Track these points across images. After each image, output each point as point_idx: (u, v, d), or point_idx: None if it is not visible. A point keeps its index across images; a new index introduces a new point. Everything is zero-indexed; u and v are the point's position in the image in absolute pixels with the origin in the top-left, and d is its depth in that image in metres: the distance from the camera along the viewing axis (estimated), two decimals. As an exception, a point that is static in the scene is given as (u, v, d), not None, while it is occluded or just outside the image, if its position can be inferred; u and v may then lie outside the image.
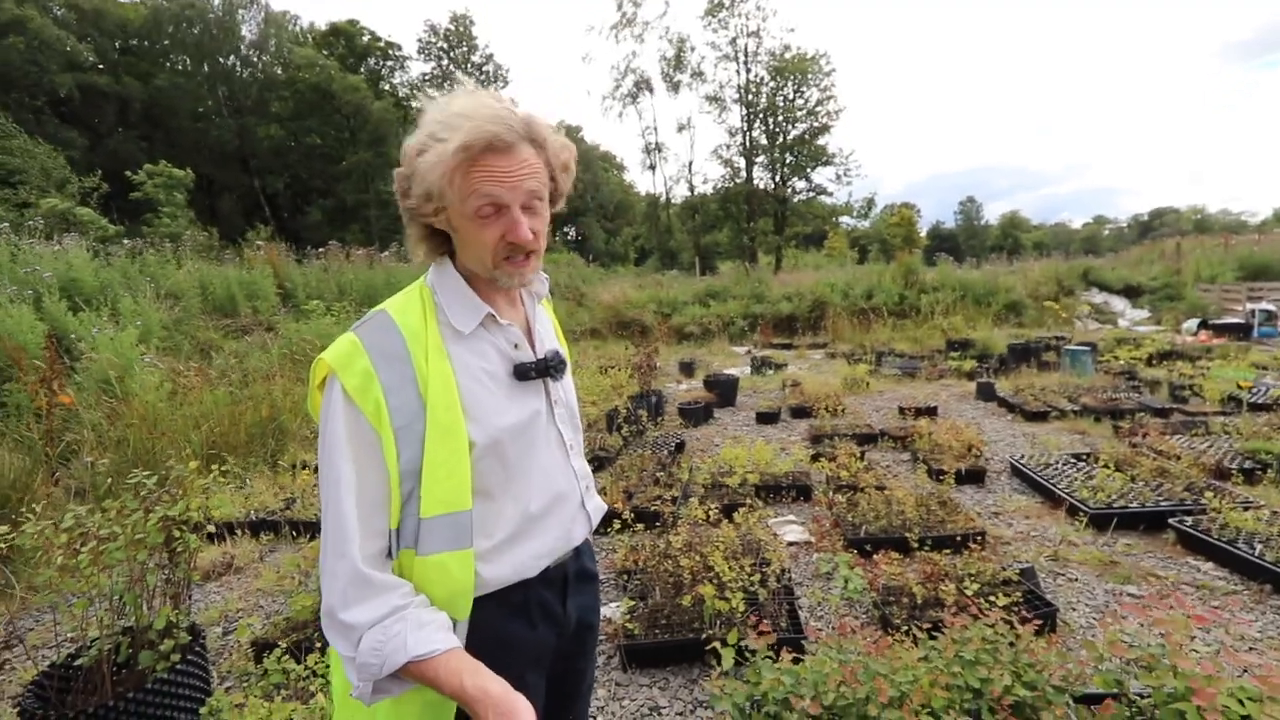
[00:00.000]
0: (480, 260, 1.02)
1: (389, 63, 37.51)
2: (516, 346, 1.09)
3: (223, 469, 3.84)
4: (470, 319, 1.03)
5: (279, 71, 32.85)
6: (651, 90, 36.15)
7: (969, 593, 2.57)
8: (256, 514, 4.16)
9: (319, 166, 32.66)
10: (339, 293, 10.86)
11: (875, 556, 3.07)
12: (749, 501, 3.94)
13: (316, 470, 4.61)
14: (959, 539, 3.27)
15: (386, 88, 36.55)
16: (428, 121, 0.97)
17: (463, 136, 0.93)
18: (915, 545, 3.24)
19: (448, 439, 0.96)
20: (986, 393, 7.03)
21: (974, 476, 4.41)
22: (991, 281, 14.18)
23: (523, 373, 1.08)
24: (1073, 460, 4.50)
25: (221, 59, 31.42)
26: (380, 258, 13.97)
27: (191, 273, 9.47)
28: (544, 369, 1.11)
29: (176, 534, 2.25)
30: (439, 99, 0.98)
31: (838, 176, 34.01)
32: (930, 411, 6.29)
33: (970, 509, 3.89)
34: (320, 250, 13.53)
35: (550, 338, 1.22)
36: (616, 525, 3.66)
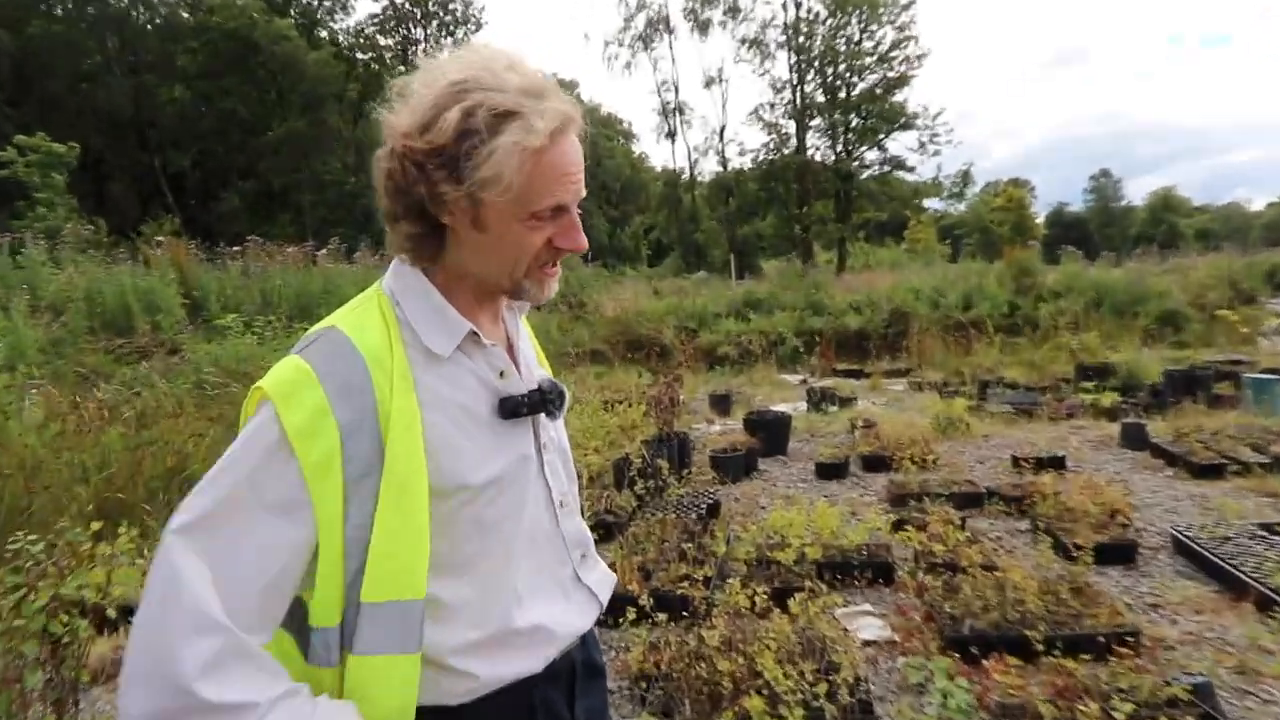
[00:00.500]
0: (508, 268, 1.06)
1: (327, 2, 38.55)
2: (502, 374, 1.11)
3: (122, 531, 3.86)
4: (447, 339, 1.06)
5: (185, 16, 33.88)
6: (671, 31, 36.94)
7: (1120, 716, 2.52)
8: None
9: (238, 139, 33.44)
10: (264, 303, 11.01)
11: (985, 662, 3.01)
12: (809, 584, 3.90)
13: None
14: (1102, 640, 3.22)
15: (324, 34, 37.52)
16: (470, 85, 0.97)
17: (551, 118, 0.97)
18: (1041, 648, 3.17)
19: (404, 499, 0.97)
20: (1135, 438, 6.95)
21: (1121, 553, 4.36)
22: (1138, 284, 14.08)
23: (512, 408, 1.10)
24: (1262, 533, 4.43)
25: (112, 0, 32.44)
26: (317, 257, 14.19)
27: (75, 278, 9.64)
28: (539, 403, 1.13)
29: (64, 620, 2.26)
30: (446, 56, 1.03)
31: (921, 144, 34.13)
32: (1057, 463, 6.23)
33: (1117, 598, 3.83)
34: (238, 248, 13.77)
35: (535, 362, 1.26)
36: (631, 614, 3.63)
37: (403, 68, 38.39)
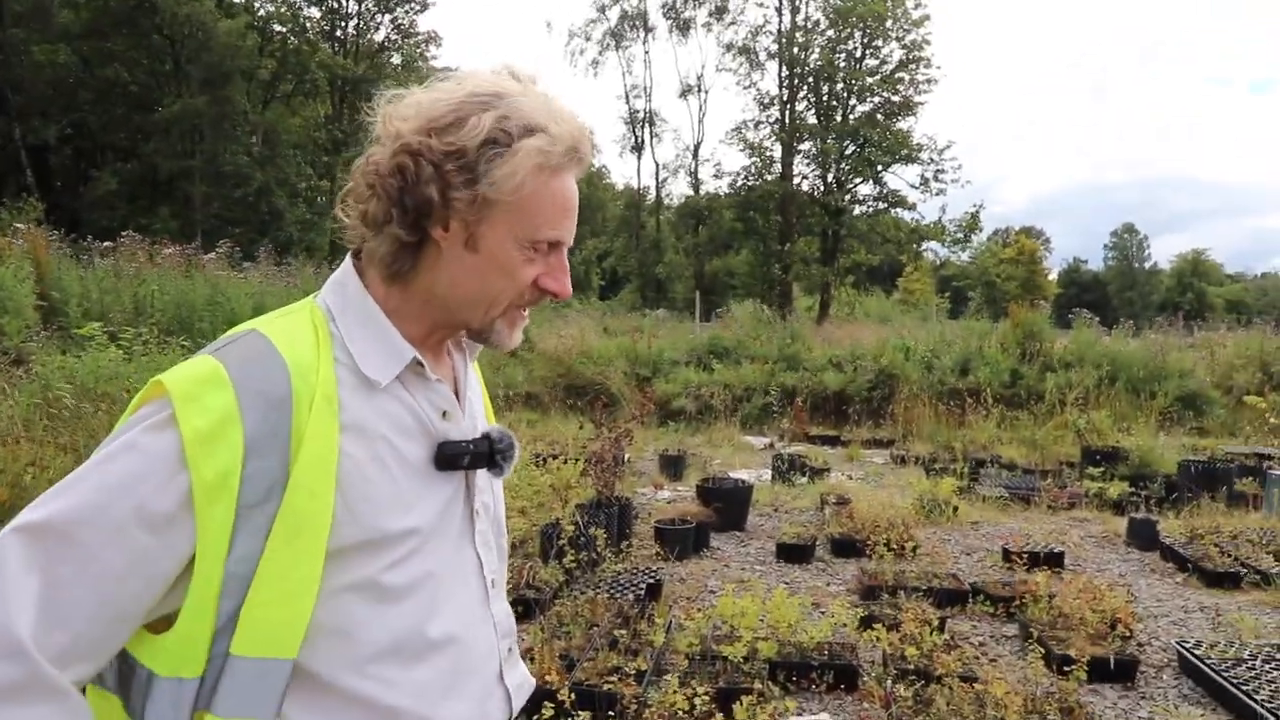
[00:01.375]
0: (487, 299, 1.11)
1: (247, -37, 38.49)
2: (445, 415, 1.13)
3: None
4: (387, 365, 1.08)
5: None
6: (648, 29, 37.64)
7: None
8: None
9: (121, 113, 32.92)
10: (135, 312, 10.76)
11: (954, 788, 3.02)
12: (759, 686, 3.91)
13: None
14: (1087, 767, 3.25)
15: (240, 0, 37.37)
16: (497, 98, 1.05)
17: (569, 144, 1.07)
18: (1018, 773, 3.21)
19: (299, 540, 0.96)
20: (1143, 536, 7.11)
21: (1120, 670, 4.41)
22: (1158, 359, 14.37)
23: (450, 457, 1.11)
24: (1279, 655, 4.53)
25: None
26: (204, 260, 13.95)
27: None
28: (484, 454, 1.15)
29: None
30: (458, 74, 1.11)
31: (924, 181, 35.00)
32: (1054, 560, 6.35)
33: None
34: (109, 243, 13.48)
35: (481, 412, 1.28)
36: (548, 712, 3.58)
37: (327, 45, 38.53)
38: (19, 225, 13.08)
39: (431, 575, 1.09)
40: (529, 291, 1.12)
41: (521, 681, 1.27)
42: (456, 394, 1.20)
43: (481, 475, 1.18)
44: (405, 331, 1.10)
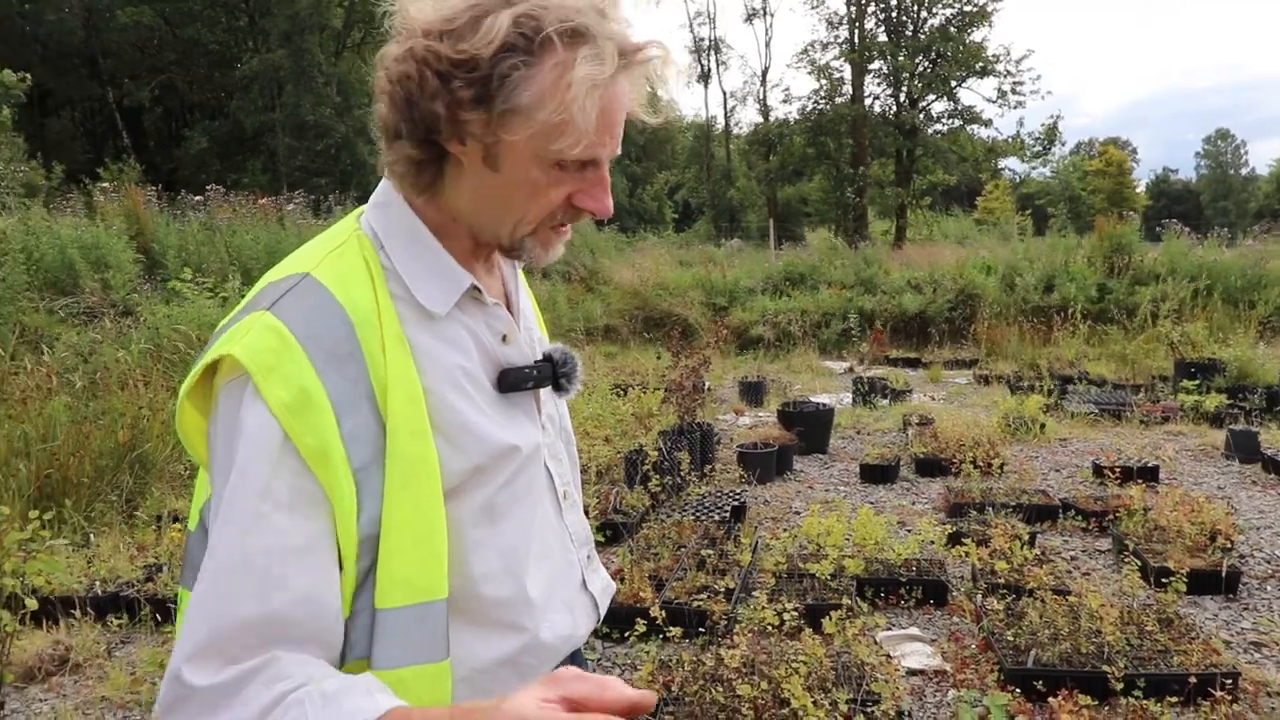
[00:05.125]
0: (511, 220, 1.01)
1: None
2: (505, 339, 1.10)
3: (46, 517, 3.95)
4: (444, 294, 1.03)
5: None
6: (711, -47, 36.39)
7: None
8: (104, 586, 4.28)
9: (203, 71, 33.57)
10: (228, 261, 11.10)
11: (1051, 701, 3.01)
12: (847, 602, 3.92)
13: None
14: (1193, 681, 3.19)
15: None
16: None
17: (616, 46, 0.91)
18: (1119, 687, 3.17)
19: (414, 483, 0.95)
20: (1245, 448, 6.90)
21: (1220, 582, 4.34)
22: (1257, 268, 13.89)
23: (514, 381, 1.08)
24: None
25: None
26: (288, 211, 14.26)
27: (14, 228, 9.77)
28: (547, 375, 1.12)
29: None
30: None
31: (1001, 94, 33.51)
32: (1148, 474, 6.19)
33: (1213, 634, 3.82)
34: (199, 198, 13.86)
35: (535, 325, 1.24)
36: (640, 628, 3.66)
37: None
38: (109, 184, 13.52)
39: (526, 489, 1.08)
40: (561, 210, 1.01)
41: (605, 586, 1.28)
42: (512, 313, 1.15)
43: (542, 393, 1.16)
44: (452, 251, 1.05)
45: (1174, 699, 3.13)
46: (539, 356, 1.14)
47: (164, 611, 4.08)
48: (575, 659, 1.23)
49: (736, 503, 5.65)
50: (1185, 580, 3.96)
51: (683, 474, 5.98)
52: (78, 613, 4.05)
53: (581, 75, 0.89)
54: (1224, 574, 4.34)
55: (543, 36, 0.88)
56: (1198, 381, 9.19)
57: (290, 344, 0.91)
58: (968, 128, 34.49)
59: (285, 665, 0.86)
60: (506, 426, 1.05)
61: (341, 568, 0.93)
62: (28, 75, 21.09)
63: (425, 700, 0.96)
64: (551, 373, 1.12)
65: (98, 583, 4.30)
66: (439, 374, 1.00)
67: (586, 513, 1.31)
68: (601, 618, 1.26)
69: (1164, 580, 4.01)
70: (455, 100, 0.90)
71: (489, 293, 1.09)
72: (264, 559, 0.87)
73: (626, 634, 3.72)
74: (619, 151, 1.01)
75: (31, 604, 3.47)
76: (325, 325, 0.94)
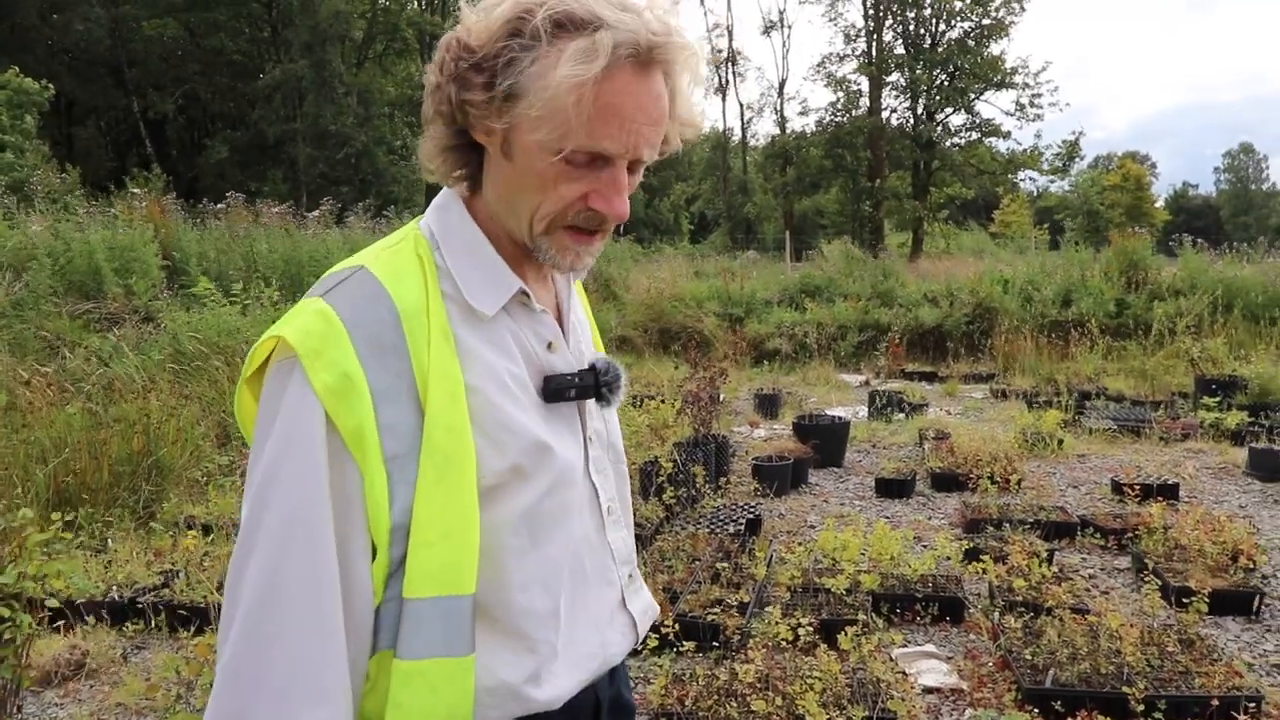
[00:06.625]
0: (526, 213, 1.02)
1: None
2: (550, 346, 1.10)
3: (67, 519, 3.97)
4: (494, 296, 1.04)
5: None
6: (730, -34, 36.71)
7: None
8: (121, 592, 4.30)
9: (226, 81, 33.97)
10: (247, 269, 11.19)
11: None
12: (862, 618, 3.89)
13: (235, 526, 4.73)
14: (1216, 704, 3.16)
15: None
16: None
17: (627, 38, 0.92)
18: (1139, 708, 3.12)
19: (448, 477, 0.95)
20: (1266, 466, 6.84)
21: (1241, 603, 4.31)
22: (1278, 285, 13.76)
23: (556, 389, 1.08)
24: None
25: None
26: (307, 220, 14.36)
27: (39, 234, 9.87)
28: (590, 386, 1.11)
29: (4, 613, 2.31)
30: None
31: (1019, 107, 33.61)
32: (1168, 492, 6.11)
33: (1235, 656, 3.78)
34: (220, 205, 13.99)
35: (588, 339, 1.24)
36: (653, 642, 3.65)
37: (415, 2, 38.70)
38: (137, 191, 13.68)
39: (567, 503, 1.08)
40: (574, 209, 1.00)
41: (646, 607, 1.25)
42: (561, 322, 1.15)
43: (590, 402, 1.15)
44: (503, 255, 1.06)
45: (1195, 722, 3.09)
46: (585, 367, 1.14)
47: (179, 619, 4.09)
48: (615, 677, 1.22)
49: (751, 516, 5.62)
50: (1207, 600, 3.91)
51: (698, 486, 5.97)
52: (93, 618, 4.07)
53: (566, 65, 0.91)
54: (1257, 601, 4.28)
55: (532, 26, 0.92)
56: (1218, 398, 9.11)
57: (337, 329, 0.93)
58: (986, 141, 34.46)
59: None
60: (546, 431, 1.05)
61: (375, 554, 0.95)
62: (50, 84, 21.40)
63: (445, 695, 0.96)
64: (595, 382, 1.12)
65: (114, 588, 4.32)
66: (483, 372, 1.00)
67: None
68: (641, 638, 1.24)
69: (1185, 600, 3.95)
70: (466, 86, 0.95)
71: (538, 300, 1.09)
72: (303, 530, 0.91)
73: (640, 648, 3.70)
74: (646, 154, 1.01)
75: (53, 603, 3.48)
76: (372, 314, 0.96)
